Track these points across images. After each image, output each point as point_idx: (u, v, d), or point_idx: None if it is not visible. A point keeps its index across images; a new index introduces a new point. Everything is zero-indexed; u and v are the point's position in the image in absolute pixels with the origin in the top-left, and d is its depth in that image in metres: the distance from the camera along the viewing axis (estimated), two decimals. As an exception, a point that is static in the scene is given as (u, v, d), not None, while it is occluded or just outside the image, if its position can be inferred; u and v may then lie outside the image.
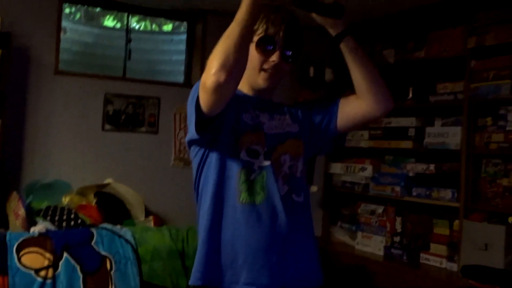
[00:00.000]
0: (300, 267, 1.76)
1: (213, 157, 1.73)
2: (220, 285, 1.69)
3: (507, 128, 3.04)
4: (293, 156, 1.78)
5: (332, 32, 1.74)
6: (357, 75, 1.76)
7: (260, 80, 1.76)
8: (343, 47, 1.74)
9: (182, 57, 4.04)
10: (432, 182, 3.42)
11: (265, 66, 1.74)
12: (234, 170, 1.71)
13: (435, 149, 3.40)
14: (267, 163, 1.72)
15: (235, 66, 1.53)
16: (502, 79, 3.08)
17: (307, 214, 1.80)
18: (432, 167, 3.40)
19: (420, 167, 3.47)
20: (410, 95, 3.59)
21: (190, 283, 1.73)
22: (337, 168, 4.04)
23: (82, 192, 3.41)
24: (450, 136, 3.33)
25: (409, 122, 3.57)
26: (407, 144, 3.56)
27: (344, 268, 3.56)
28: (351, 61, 1.75)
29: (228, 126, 1.72)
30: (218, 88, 1.54)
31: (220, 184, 1.72)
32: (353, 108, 1.82)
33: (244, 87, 1.80)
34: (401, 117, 3.60)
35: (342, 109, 1.83)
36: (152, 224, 3.40)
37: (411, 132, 3.55)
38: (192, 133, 1.69)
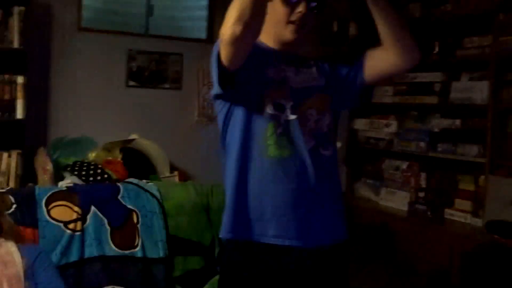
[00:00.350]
0: (327, 220, 1.77)
1: (239, 113, 1.74)
2: (249, 238, 1.72)
3: (536, 82, 3.00)
4: (319, 110, 1.78)
5: None
6: (383, 27, 1.73)
7: (288, 33, 1.75)
8: (370, 2, 1.69)
9: (204, 12, 4.01)
10: (458, 137, 3.39)
11: (292, 18, 1.73)
12: (260, 125, 1.72)
13: (461, 104, 3.37)
14: (293, 116, 1.73)
15: (251, 19, 1.52)
16: (531, 31, 3.02)
17: (334, 168, 1.81)
18: (457, 122, 3.37)
19: (446, 123, 3.45)
20: (436, 49, 3.54)
21: (220, 236, 1.79)
22: (361, 124, 4.03)
23: (107, 148, 3.44)
24: (476, 91, 3.28)
25: (434, 77, 3.53)
26: (432, 100, 3.52)
27: (367, 224, 3.58)
28: (376, 12, 1.71)
29: (252, 81, 1.72)
30: (235, 41, 1.54)
31: (246, 139, 1.74)
32: (379, 61, 1.80)
33: (270, 41, 1.80)
34: (427, 72, 3.56)
35: (368, 62, 1.81)
36: (177, 179, 3.44)
37: (437, 87, 3.52)
38: (215, 88, 1.70)
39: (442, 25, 3.60)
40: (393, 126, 3.77)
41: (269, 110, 1.72)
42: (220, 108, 1.78)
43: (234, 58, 1.60)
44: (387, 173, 3.85)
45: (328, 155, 1.78)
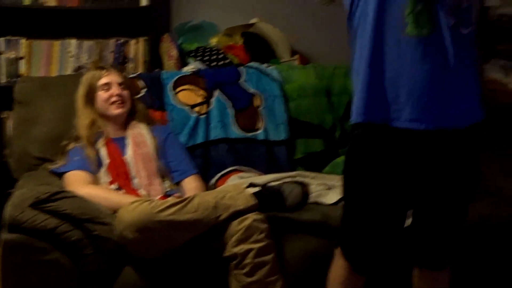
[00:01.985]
0: (465, 102, 1.71)
1: None
2: (383, 121, 1.70)
3: None
4: None
5: None
6: None
7: None
8: None
9: None
10: None
11: None
12: (398, 0, 1.64)
13: None
14: None
15: None
16: None
17: (473, 48, 1.72)
18: None
19: None
20: None
21: (351, 120, 1.76)
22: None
23: (229, 33, 3.46)
24: None
25: None
26: None
27: (497, 108, 3.42)
28: None
29: None
30: None
31: (381, 15, 1.66)
32: None
33: None
34: None
35: None
36: (297, 62, 3.41)
37: None
38: None
39: None
40: (530, 2, 3.48)
41: None
42: None
43: None
44: (521, 53, 3.61)
45: (468, 33, 1.68)
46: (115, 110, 2.52)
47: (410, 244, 1.93)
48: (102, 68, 2.62)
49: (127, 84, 2.64)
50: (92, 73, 2.59)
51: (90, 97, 2.54)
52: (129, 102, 2.58)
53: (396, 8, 1.64)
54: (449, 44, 1.64)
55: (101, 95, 2.53)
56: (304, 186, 2.20)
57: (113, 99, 2.52)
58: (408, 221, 1.88)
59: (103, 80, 2.54)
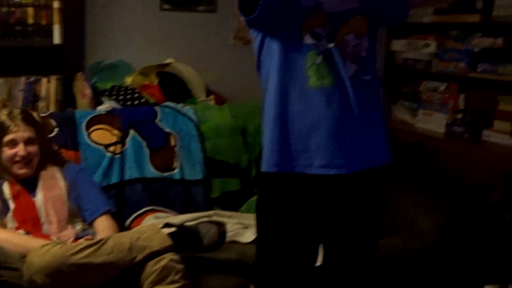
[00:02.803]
0: (372, 146, 1.77)
1: (274, 43, 1.71)
2: (293, 170, 1.72)
3: None
4: (358, 34, 1.73)
5: None
6: None
7: None
8: None
9: None
10: (499, 57, 3.29)
11: None
12: (299, 56, 1.69)
13: (505, 22, 3.25)
14: (331, 45, 1.69)
15: None
16: None
17: (376, 92, 1.79)
18: (500, 41, 3.26)
19: (487, 42, 3.33)
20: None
21: (262, 170, 1.78)
22: (399, 45, 3.93)
23: (144, 72, 3.45)
24: (521, 7, 3.16)
25: (475, -7, 3.41)
26: (474, 18, 3.40)
27: (404, 146, 3.56)
28: None
29: (285, 11, 1.67)
30: None
31: (284, 71, 1.70)
32: None
33: None
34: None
35: None
36: (213, 102, 3.45)
37: (479, 4, 3.39)
38: (242, 16, 1.69)
39: None
40: (432, 47, 3.66)
41: (306, 40, 1.68)
42: (254, 36, 1.76)
43: None
44: (425, 94, 3.78)
45: (369, 80, 1.75)
46: (19, 170, 2.40)
47: (323, 280, 1.95)
48: (10, 118, 2.42)
49: (37, 136, 2.47)
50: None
51: None
52: (36, 159, 2.44)
53: (298, 62, 1.69)
54: (351, 92, 1.69)
55: (6, 151, 2.39)
56: (220, 226, 2.20)
57: (17, 159, 2.39)
58: (320, 259, 1.91)
59: (9, 137, 2.38)
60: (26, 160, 2.40)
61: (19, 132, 2.40)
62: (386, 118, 1.85)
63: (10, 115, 2.44)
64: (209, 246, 2.18)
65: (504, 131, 3.24)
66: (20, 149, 2.39)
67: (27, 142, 2.41)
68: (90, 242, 2.09)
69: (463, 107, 3.51)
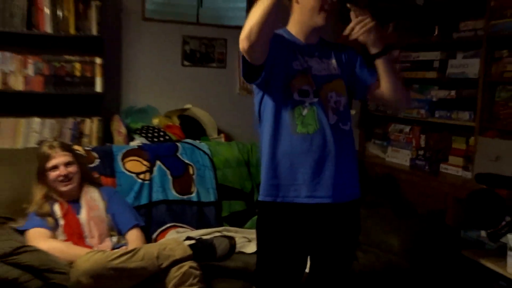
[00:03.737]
0: (348, 182, 1.79)
1: (271, 98, 1.73)
2: (284, 200, 1.75)
3: (522, 59, 2.91)
4: (338, 93, 1.77)
5: (371, 50, 1.72)
6: (385, 84, 1.77)
7: (320, 20, 1.72)
8: (378, 63, 1.74)
9: (244, 4, 3.98)
10: (452, 106, 3.33)
11: (326, 6, 1.70)
12: (289, 108, 1.71)
13: (456, 78, 3.30)
14: (315, 99, 1.72)
15: (257, 38, 1.51)
16: (518, 17, 2.92)
17: (351, 139, 1.82)
18: (453, 93, 3.31)
19: (443, 93, 3.38)
20: (436, 32, 3.45)
21: (259, 199, 1.80)
22: (372, 95, 3.98)
23: (168, 115, 3.49)
24: (469, 66, 3.20)
25: (434, 55, 3.45)
26: (432, 74, 3.45)
27: (376, 176, 3.58)
28: (382, 73, 1.75)
29: (280, 73, 1.71)
30: (245, 51, 1.56)
31: (277, 120, 1.73)
32: (380, 94, 1.83)
33: (297, 30, 1.78)
34: (428, 51, 3.48)
35: (372, 88, 1.85)
36: (223, 139, 3.47)
37: (436, 64, 3.44)
38: (244, 79, 1.73)
39: (441, 11, 3.50)
40: (399, 97, 3.71)
41: (295, 96, 1.71)
42: (256, 92, 1.79)
43: (251, 59, 1.61)
44: (393, 135, 3.81)
45: (347, 129, 1.78)
46: (63, 188, 2.41)
47: (311, 286, 1.95)
48: (51, 146, 2.46)
49: (74, 159, 2.50)
50: (42, 152, 2.44)
51: (42, 175, 2.42)
52: (77, 176, 2.45)
53: (288, 112, 1.72)
54: (331, 138, 1.72)
55: (51, 174, 2.41)
56: (231, 240, 2.20)
57: (60, 178, 2.40)
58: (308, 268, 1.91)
59: (51, 163, 2.41)
60: (67, 178, 2.42)
61: (58, 157, 2.43)
62: (357, 161, 1.86)
63: (50, 146, 2.47)
64: (221, 257, 2.18)
65: (457, 165, 3.27)
66: (61, 170, 2.41)
67: (66, 164, 2.43)
68: (125, 250, 2.09)
69: (424, 145, 3.54)
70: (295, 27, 1.78)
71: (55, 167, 2.41)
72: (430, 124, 3.53)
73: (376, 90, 1.82)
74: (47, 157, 2.42)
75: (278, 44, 1.69)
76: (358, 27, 1.67)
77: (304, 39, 1.78)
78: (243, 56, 1.62)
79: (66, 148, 2.51)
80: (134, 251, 2.05)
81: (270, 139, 1.74)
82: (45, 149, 2.45)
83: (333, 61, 1.81)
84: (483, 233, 2.78)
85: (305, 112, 1.71)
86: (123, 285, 2.03)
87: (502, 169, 2.81)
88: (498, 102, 3.08)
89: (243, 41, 1.53)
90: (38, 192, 2.40)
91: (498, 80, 3.05)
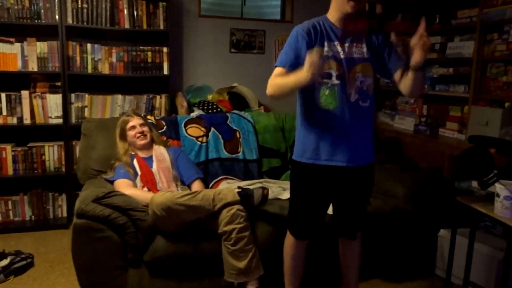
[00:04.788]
0: (361, 149, 1.74)
1: None
2: (309, 161, 1.74)
3: (509, 40, 2.74)
4: (364, 75, 1.70)
5: (415, 63, 1.58)
6: (408, 87, 1.67)
7: (348, 7, 1.65)
8: (414, 73, 1.61)
9: (279, 2, 3.90)
10: (450, 80, 3.20)
11: None
12: (315, 89, 1.68)
13: (454, 58, 3.15)
14: (337, 81, 1.66)
15: (278, 99, 1.66)
16: (507, 5, 2.73)
17: (370, 114, 1.75)
18: (451, 70, 3.17)
19: (442, 71, 3.24)
20: (437, 20, 3.29)
21: (293, 157, 1.81)
22: (383, 73, 3.87)
23: (219, 92, 3.49)
24: (465, 48, 3.05)
25: (435, 39, 3.30)
26: (433, 55, 3.31)
27: (386, 139, 3.50)
28: (410, 81, 1.63)
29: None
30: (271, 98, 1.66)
31: (306, 99, 1.72)
32: (399, 85, 1.73)
33: (334, 17, 1.70)
34: (431, 36, 3.31)
35: (395, 75, 1.75)
36: (263, 110, 3.46)
37: (437, 46, 3.29)
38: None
39: (441, 2, 3.32)
40: (405, 74, 3.59)
41: (319, 79, 1.66)
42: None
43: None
44: (400, 105, 3.71)
45: (366, 106, 1.72)
46: (140, 142, 2.47)
47: (334, 224, 1.94)
48: (128, 115, 2.54)
49: (146, 122, 2.57)
50: (122, 119, 2.53)
51: (123, 134, 2.49)
52: (149, 134, 2.51)
53: (314, 93, 1.69)
54: (348, 114, 1.67)
55: (130, 133, 2.48)
56: (264, 190, 2.15)
57: (138, 135, 2.47)
58: (330, 210, 1.90)
59: (129, 124, 2.49)
60: (142, 134, 2.48)
61: (134, 120, 2.51)
62: (373, 130, 1.80)
63: (127, 114, 2.58)
64: (258, 204, 2.14)
65: (453, 129, 3.16)
66: (138, 129, 2.48)
67: (141, 125, 2.50)
68: (189, 192, 2.13)
69: (425, 114, 3.43)
70: (332, 14, 1.72)
71: (133, 127, 2.48)
72: (431, 96, 3.40)
73: (397, 78, 1.72)
74: (127, 121, 2.51)
75: (315, 36, 1.65)
76: (422, 42, 1.54)
77: (339, 25, 1.71)
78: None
79: (139, 115, 2.60)
80: (195, 192, 2.07)
81: (301, 113, 1.74)
82: (124, 116, 2.56)
83: (364, 45, 1.73)
84: (474, 184, 2.70)
85: (327, 92, 1.67)
86: (186, 218, 2.06)
87: (491, 132, 2.70)
88: (489, 77, 2.93)
89: (269, 93, 1.64)
90: (122, 148, 2.46)
91: (490, 59, 2.90)
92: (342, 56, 1.68)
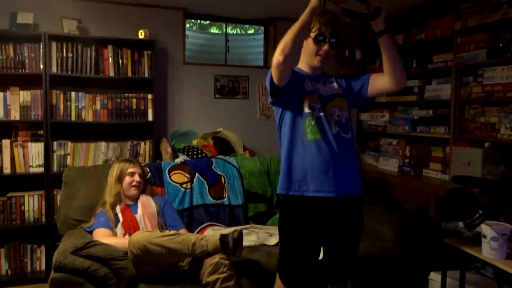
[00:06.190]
0: (349, 180, 1.74)
1: (288, 114, 1.74)
2: (296, 193, 1.72)
3: (484, 83, 2.84)
4: (340, 109, 1.75)
5: (375, 29, 1.66)
6: (387, 61, 1.69)
7: (316, 62, 1.75)
8: (381, 40, 1.66)
9: (261, 49, 4.00)
10: (430, 122, 3.27)
11: (320, 53, 1.72)
12: (301, 120, 1.71)
13: (432, 100, 3.24)
14: (321, 113, 1.71)
15: (290, 52, 1.53)
16: (479, 50, 2.86)
17: (352, 146, 1.78)
18: (430, 112, 3.24)
19: (422, 113, 3.32)
20: (414, 65, 3.41)
21: (277, 192, 1.78)
22: (365, 116, 3.94)
23: (204, 137, 3.49)
24: (443, 90, 3.15)
25: (414, 83, 3.41)
26: (413, 98, 3.41)
27: (371, 180, 3.51)
28: (384, 50, 1.67)
29: (295, 93, 1.72)
30: (278, 65, 1.55)
31: (293, 129, 1.73)
32: (379, 82, 1.76)
33: (305, 67, 1.81)
34: (409, 80, 3.43)
35: (371, 82, 1.78)
36: (247, 155, 3.45)
37: (415, 89, 3.39)
38: (269, 98, 1.72)
39: (418, 48, 3.46)
40: (386, 116, 3.66)
41: (306, 110, 1.71)
42: (276, 111, 1.80)
43: (279, 77, 1.61)
44: (383, 147, 3.75)
45: (348, 137, 1.75)
46: (133, 191, 2.43)
47: (324, 270, 1.90)
48: (131, 161, 2.52)
49: (144, 174, 2.56)
50: (124, 163, 2.49)
51: (120, 178, 2.44)
52: (142, 186, 2.49)
53: (300, 123, 1.72)
54: (335, 144, 1.70)
55: (127, 179, 2.44)
56: (234, 232, 2.04)
57: (134, 184, 2.43)
58: (321, 255, 1.86)
59: (130, 170, 2.46)
60: (138, 185, 2.45)
61: (137, 168, 2.49)
62: (359, 163, 1.81)
63: (131, 159, 2.57)
64: (233, 248, 2.03)
65: (437, 170, 3.19)
66: (136, 177, 2.45)
67: (139, 175, 2.48)
68: (169, 233, 2.06)
69: (409, 155, 3.48)
70: (303, 64, 1.80)
71: (132, 174, 2.45)
72: (413, 137, 3.46)
73: (376, 81, 1.76)
74: (129, 165, 2.47)
75: (294, 75, 1.73)
76: None
77: (310, 72, 1.79)
78: (270, 80, 1.63)
79: (140, 165, 2.57)
80: (175, 235, 2.01)
81: (288, 144, 1.73)
82: (127, 161, 2.52)
83: (335, 84, 1.81)
84: (460, 224, 2.69)
85: (313, 122, 1.70)
86: (162, 260, 1.98)
87: (473, 172, 2.73)
88: (467, 118, 3.01)
89: (279, 55, 1.53)
90: (113, 190, 2.41)
91: (466, 101, 2.98)
92: (320, 93, 1.76)
